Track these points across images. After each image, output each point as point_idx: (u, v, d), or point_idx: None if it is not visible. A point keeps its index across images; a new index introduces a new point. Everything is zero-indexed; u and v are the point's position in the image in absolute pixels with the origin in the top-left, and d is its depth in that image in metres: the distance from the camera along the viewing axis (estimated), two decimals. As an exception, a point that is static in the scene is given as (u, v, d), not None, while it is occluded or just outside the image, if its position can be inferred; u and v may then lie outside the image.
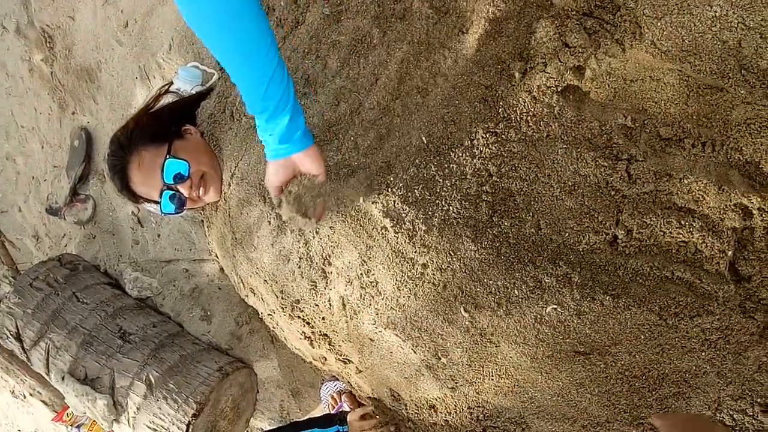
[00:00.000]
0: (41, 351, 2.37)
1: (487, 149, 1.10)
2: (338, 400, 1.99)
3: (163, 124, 1.55)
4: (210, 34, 0.98)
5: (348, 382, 1.63)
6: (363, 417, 1.55)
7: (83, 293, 2.42)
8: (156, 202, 1.52)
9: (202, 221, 1.89)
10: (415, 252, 1.13)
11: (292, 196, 1.12)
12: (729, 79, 0.94)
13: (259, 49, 1.00)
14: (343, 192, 1.20)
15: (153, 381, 2.09)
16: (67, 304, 2.39)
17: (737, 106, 0.96)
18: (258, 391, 2.27)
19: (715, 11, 0.92)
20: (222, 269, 2.11)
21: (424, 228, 1.12)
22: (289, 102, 1.06)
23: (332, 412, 1.93)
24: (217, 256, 1.79)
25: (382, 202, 1.16)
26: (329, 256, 1.26)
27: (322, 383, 2.10)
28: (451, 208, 1.10)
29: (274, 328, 1.66)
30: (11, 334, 2.47)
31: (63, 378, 2.31)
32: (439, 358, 1.19)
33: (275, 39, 1.03)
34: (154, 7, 2.04)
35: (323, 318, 1.36)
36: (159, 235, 2.33)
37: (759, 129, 0.95)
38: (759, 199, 0.95)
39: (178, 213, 1.54)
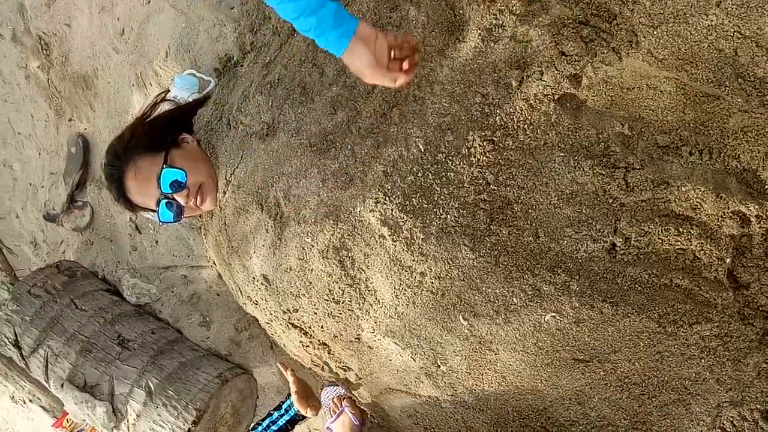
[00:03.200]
0: (40, 358, 2.37)
1: (484, 157, 1.10)
2: (339, 405, 1.98)
3: (159, 133, 1.55)
4: None
5: (348, 387, 1.63)
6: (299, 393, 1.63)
7: (81, 300, 2.41)
8: (153, 211, 1.52)
9: (200, 228, 1.89)
10: (414, 260, 1.13)
11: None
12: (725, 87, 0.94)
13: None
14: (343, 201, 1.20)
15: (152, 388, 2.09)
16: (66, 311, 2.39)
17: (734, 114, 0.96)
18: (258, 397, 2.27)
19: (711, 20, 0.92)
20: (220, 275, 2.11)
21: (422, 236, 1.12)
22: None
23: (333, 417, 1.93)
24: (214, 263, 1.79)
25: (379, 211, 1.16)
26: (328, 265, 1.26)
27: (322, 388, 2.10)
28: (448, 216, 1.10)
29: (273, 335, 1.66)
30: (10, 342, 2.46)
31: (62, 385, 2.31)
32: (439, 366, 1.20)
33: None
34: (150, 14, 2.04)
35: (322, 326, 1.36)
36: (157, 242, 2.33)
37: (756, 137, 0.95)
38: (756, 207, 0.95)
39: (176, 222, 1.54)
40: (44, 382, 2.40)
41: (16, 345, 2.44)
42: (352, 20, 1.06)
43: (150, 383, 2.09)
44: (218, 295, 2.22)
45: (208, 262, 2.12)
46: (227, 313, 2.20)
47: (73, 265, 2.63)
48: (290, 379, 1.68)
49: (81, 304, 2.38)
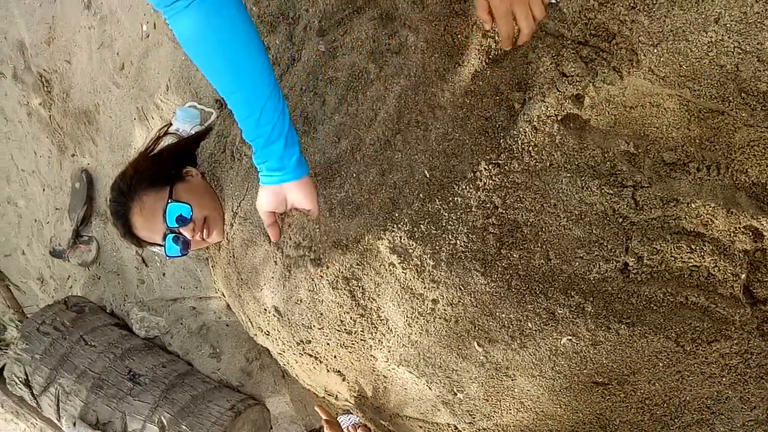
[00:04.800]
0: (51, 397, 2.36)
1: (490, 181, 1.10)
2: (353, 433, 1.96)
3: (163, 167, 1.55)
4: (202, 58, 0.99)
5: (363, 416, 1.61)
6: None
7: (91, 336, 2.40)
8: (160, 246, 1.52)
9: (207, 258, 1.88)
10: (425, 288, 1.13)
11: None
12: (729, 102, 0.94)
13: (253, 74, 1.01)
14: (350, 230, 1.20)
15: (165, 423, 2.07)
16: (75, 347, 2.38)
17: (739, 129, 0.96)
18: (271, 428, 2.25)
19: (711, 37, 0.92)
20: (229, 306, 2.10)
21: (432, 263, 1.11)
22: (284, 130, 1.09)
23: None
24: (223, 294, 1.79)
25: (388, 239, 1.15)
26: (338, 295, 1.25)
27: (337, 417, 2.07)
28: (458, 241, 1.10)
29: (285, 365, 1.65)
30: (20, 381, 2.45)
31: (74, 423, 2.29)
32: (455, 394, 1.18)
33: (270, 65, 1.05)
34: (149, 48, 2.06)
35: (335, 356, 1.34)
36: (164, 274, 2.33)
37: (763, 151, 0.95)
38: (768, 221, 0.94)
39: (182, 256, 1.53)
40: (56, 421, 2.38)
41: (27, 384, 2.42)
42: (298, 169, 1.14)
43: (162, 418, 2.07)
44: (227, 325, 2.21)
45: (217, 293, 2.11)
46: (237, 344, 2.19)
47: (81, 301, 2.62)
48: (325, 425, 1.60)
49: (90, 340, 2.37)
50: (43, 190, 2.87)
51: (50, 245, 2.85)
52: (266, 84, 1.03)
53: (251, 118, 1.05)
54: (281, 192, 1.18)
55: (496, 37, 1.14)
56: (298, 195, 1.18)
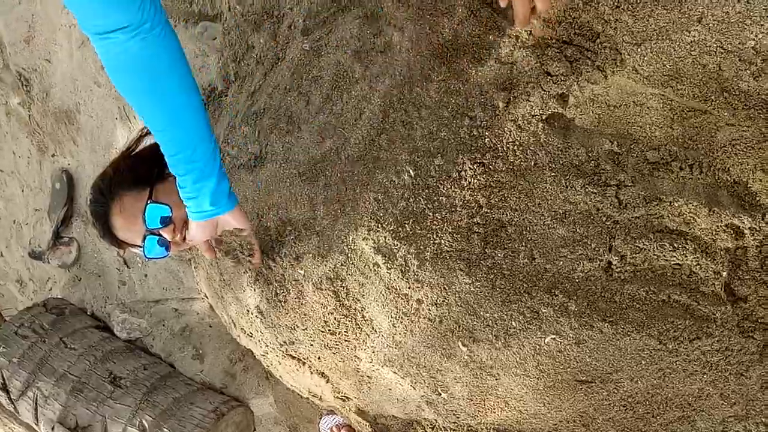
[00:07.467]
0: (29, 401, 2.31)
1: (475, 180, 1.10)
2: (338, 435, 1.95)
3: (144, 167, 1.53)
4: (133, 91, 0.95)
5: (348, 417, 1.60)
6: None
7: (71, 338, 2.36)
8: (140, 247, 1.49)
9: (190, 260, 1.86)
10: (409, 288, 1.12)
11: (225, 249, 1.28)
12: (712, 101, 0.95)
13: (188, 108, 0.98)
14: (335, 230, 1.19)
15: (147, 426, 2.04)
16: (55, 350, 2.33)
17: (721, 128, 0.97)
18: (255, 429, 2.23)
19: (693, 36, 0.93)
20: (212, 307, 2.08)
21: (416, 263, 1.11)
22: (216, 163, 1.07)
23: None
24: (206, 295, 1.77)
25: (372, 239, 1.14)
26: (322, 295, 1.24)
27: (321, 418, 2.06)
28: (442, 241, 1.09)
29: (269, 367, 1.63)
30: (-3, 385, 2.40)
31: (53, 428, 2.25)
32: (440, 394, 1.18)
33: (201, 96, 1.03)
34: (131, 47, 2.03)
35: (319, 357, 1.33)
36: (146, 275, 2.30)
37: (744, 149, 0.96)
38: (749, 219, 0.95)
39: (162, 257, 1.51)
40: (34, 425, 2.34)
41: (4, 388, 2.37)
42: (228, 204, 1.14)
43: (144, 421, 2.04)
44: (211, 326, 2.19)
45: (199, 294, 2.09)
46: (220, 345, 2.17)
47: (61, 303, 2.58)
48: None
49: (70, 342, 2.33)
50: (23, 190, 2.82)
51: (30, 247, 2.80)
52: (201, 116, 1.01)
53: (184, 152, 1.03)
54: (213, 222, 1.18)
55: (481, 35, 1.14)
56: (232, 221, 1.18)
